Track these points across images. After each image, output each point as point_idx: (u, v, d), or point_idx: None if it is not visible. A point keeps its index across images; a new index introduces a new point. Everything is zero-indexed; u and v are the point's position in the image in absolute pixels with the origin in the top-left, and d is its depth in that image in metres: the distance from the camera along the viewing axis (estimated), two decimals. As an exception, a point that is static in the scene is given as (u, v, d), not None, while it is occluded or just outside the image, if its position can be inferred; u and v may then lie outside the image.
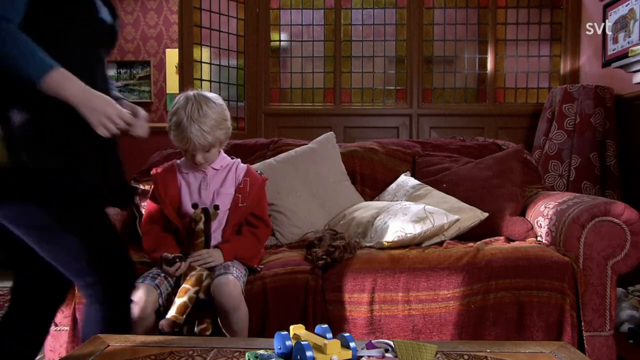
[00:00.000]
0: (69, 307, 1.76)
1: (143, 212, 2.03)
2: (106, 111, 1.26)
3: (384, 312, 1.69)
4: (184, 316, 1.53)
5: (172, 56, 5.04)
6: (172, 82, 5.04)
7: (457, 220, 1.98)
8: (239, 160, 1.90)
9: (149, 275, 1.62)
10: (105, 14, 1.40)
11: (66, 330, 1.75)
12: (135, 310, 1.51)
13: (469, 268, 1.70)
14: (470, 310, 1.65)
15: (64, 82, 1.22)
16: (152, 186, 1.81)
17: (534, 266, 1.70)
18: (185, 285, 1.58)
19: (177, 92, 4.38)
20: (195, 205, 1.72)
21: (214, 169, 1.81)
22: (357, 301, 1.72)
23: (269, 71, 4.26)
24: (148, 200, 1.84)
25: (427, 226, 1.89)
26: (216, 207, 1.73)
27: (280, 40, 4.35)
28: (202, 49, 4.03)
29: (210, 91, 1.82)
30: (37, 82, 1.19)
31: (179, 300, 1.54)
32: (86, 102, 1.24)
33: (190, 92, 1.71)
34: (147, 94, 5.17)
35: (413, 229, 1.87)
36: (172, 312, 1.52)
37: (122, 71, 5.17)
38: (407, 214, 1.95)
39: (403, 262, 1.75)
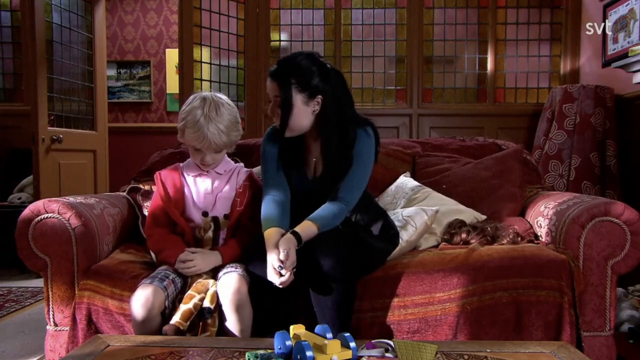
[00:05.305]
0: (69, 307, 1.75)
1: (145, 213, 2.02)
2: None
3: (379, 318, 1.67)
4: (188, 323, 1.52)
5: (172, 56, 5.04)
6: (172, 82, 5.04)
7: (437, 211, 1.98)
8: (242, 164, 1.90)
9: (157, 276, 1.59)
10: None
11: (66, 330, 1.74)
12: (142, 311, 1.50)
13: (464, 270, 1.69)
14: (467, 311, 1.64)
15: None
16: (157, 188, 1.80)
17: (530, 265, 1.69)
18: (190, 292, 1.57)
19: (177, 92, 4.38)
20: (205, 214, 1.71)
21: (218, 173, 1.81)
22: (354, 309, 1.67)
23: (268, 71, 4.25)
24: (152, 202, 1.83)
25: (411, 231, 1.89)
26: (226, 217, 1.73)
27: (280, 40, 4.35)
28: (202, 49, 4.03)
29: (210, 91, 1.83)
30: None
31: (184, 307, 1.53)
32: None
33: (205, 94, 1.74)
34: (147, 94, 5.17)
35: (400, 240, 1.86)
36: (176, 318, 1.51)
37: (122, 71, 5.17)
38: None
39: (397, 267, 1.73)
